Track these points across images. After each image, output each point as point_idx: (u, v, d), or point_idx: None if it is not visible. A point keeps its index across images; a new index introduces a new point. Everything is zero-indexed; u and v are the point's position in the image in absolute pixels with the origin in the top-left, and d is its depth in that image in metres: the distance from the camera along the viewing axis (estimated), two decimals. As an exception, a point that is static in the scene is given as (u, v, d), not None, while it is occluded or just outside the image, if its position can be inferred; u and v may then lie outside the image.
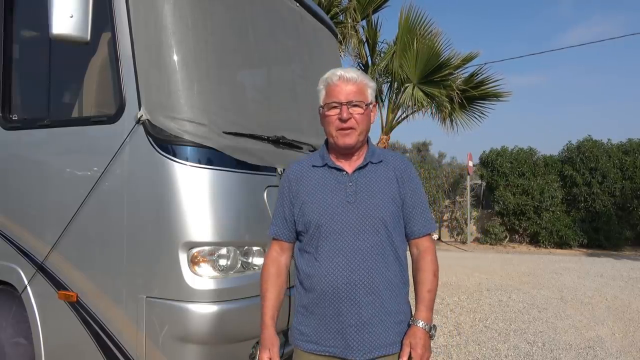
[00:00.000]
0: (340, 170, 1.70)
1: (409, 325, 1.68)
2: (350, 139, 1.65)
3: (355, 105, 1.65)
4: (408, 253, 1.77)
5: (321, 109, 1.71)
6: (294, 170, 1.78)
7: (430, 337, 1.66)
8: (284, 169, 2.67)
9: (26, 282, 2.59)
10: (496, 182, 14.02)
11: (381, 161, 1.73)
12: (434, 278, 1.69)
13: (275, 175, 2.65)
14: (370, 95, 1.70)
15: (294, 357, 1.74)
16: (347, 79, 1.66)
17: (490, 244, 13.94)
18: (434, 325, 1.68)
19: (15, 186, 2.75)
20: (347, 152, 1.70)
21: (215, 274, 2.30)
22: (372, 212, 1.63)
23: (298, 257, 1.75)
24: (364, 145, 1.74)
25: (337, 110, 1.64)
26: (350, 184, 1.67)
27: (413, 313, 1.70)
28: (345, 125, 1.63)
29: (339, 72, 1.68)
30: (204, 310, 2.23)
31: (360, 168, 1.69)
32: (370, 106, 1.70)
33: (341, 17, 8.63)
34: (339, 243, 1.62)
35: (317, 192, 1.69)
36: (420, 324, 1.64)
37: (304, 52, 3.37)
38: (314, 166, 1.74)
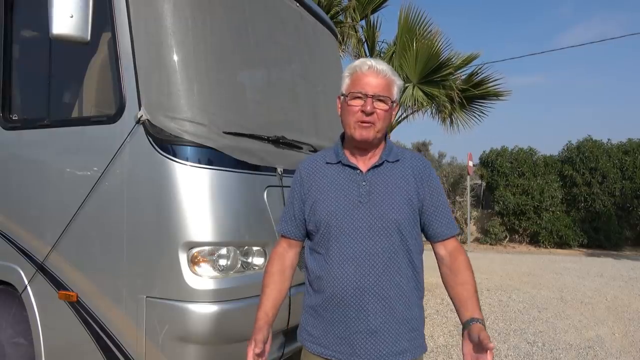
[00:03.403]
0: (354, 168, 1.63)
1: (467, 326, 1.51)
2: (368, 133, 1.58)
3: (380, 100, 1.58)
4: (423, 256, 1.71)
5: (343, 97, 1.63)
6: (306, 167, 1.72)
7: None
8: (284, 169, 2.67)
9: (26, 282, 2.59)
10: (496, 182, 14.02)
11: (398, 160, 1.65)
12: (473, 276, 1.62)
13: (275, 175, 2.65)
14: (396, 93, 1.63)
15: (302, 356, 1.71)
16: (377, 71, 1.58)
17: (490, 244, 13.94)
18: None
19: (16, 186, 2.74)
20: (363, 147, 1.64)
21: (215, 274, 2.29)
22: (385, 214, 1.57)
23: (308, 257, 1.70)
24: (380, 143, 1.67)
25: (361, 102, 1.57)
26: (364, 183, 1.60)
27: (460, 313, 1.57)
28: (367, 118, 1.57)
29: (370, 62, 1.60)
30: (204, 310, 2.23)
31: (375, 167, 1.63)
32: (394, 104, 1.63)
33: (341, 17, 8.62)
34: (350, 245, 1.56)
35: (329, 190, 1.62)
36: (480, 322, 1.50)
37: (304, 52, 3.36)
38: (327, 163, 1.68)
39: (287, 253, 1.75)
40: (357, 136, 1.60)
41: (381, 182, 1.61)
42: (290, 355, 2.63)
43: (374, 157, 1.65)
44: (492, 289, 7.37)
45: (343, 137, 1.71)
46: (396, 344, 1.57)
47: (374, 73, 1.59)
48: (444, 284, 1.67)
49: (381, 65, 1.60)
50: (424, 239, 1.72)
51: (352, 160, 1.65)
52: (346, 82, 1.63)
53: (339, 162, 1.66)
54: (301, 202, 1.69)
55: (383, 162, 1.64)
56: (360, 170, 1.63)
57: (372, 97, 1.57)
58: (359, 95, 1.58)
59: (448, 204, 1.72)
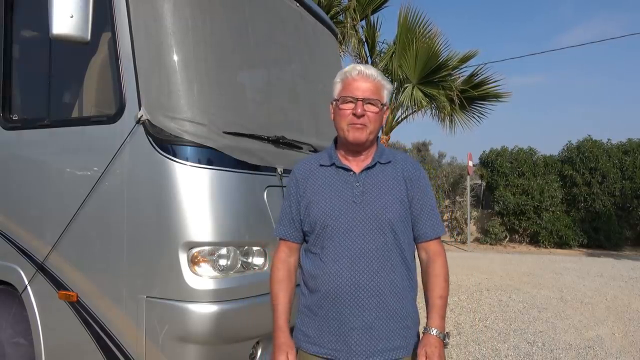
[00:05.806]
0: (347, 170, 1.68)
1: (421, 334, 1.62)
2: (361, 134, 1.63)
3: (370, 103, 1.63)
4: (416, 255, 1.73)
5: (335, 102, 1.69)
6: (300, 169, 1.76)
7: (444, 345, 1.59)
8: (284, 169, 2.67)
9: (26, 282, 2.59)
10: (496, 182, 14.03)
11: (390, 162, 1.71)
12: (445, 283, 1.64)
13: (275, 175, 2.65)
14: (385, 96, 1.69)
15: (298, 357, 1.72)
16: (366, 76, 1.65)
17: (490, 244, 13.94)
18: (447, 333, 1.62)
19: (16, 186, 2.74)
20: (356, 150, 1.69)
21: (215, 274, 2.30)
22: (378, 213, 1.62)
23: (303, 258, 1.74)
24: (373, 145, 1.72)
25: (352, 105, 1.63)
26: (357, 184, 1.65)
27: (425, 319, 1.63)
28: (358, 120, 1.62)
29: (359, 67, 1.67)
30: (204, 310, 2.23)
31: (368, 168, 1.68)
32: (384, 107, 1.69)
33: (341, 17, 8.62)
34: (345, 244, 1.61)
35: (324, 192, 1.67)
36: (434, 332, 1.57)
37: (304, 52, 3.36)
38: (321, 165, 1.72)
39: (290, 258, 1.78)
40: (350, 138, 1.65)
41: (374, 183, 1.66)
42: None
43: (366, 159, 1.70)
44: (492, 289, 7.37)
45: (336, 140, 1.76)
46: (390, 341, 1.61)
47: (363, 77, 1.65)
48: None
49: (370, 70, 1.67)
50: None
51: (345, 162, 1.70)
52: (337, 87, 1.70)
53: (333, 164, 1.70)
54: (297, 203, 1.73)
55: (375, 163, 1.69)
56: (354, 172, 1.68)
57: (362, 100, 1.63)
58: (350, 99, 1.64)
59: (436, 207, 1.76)
